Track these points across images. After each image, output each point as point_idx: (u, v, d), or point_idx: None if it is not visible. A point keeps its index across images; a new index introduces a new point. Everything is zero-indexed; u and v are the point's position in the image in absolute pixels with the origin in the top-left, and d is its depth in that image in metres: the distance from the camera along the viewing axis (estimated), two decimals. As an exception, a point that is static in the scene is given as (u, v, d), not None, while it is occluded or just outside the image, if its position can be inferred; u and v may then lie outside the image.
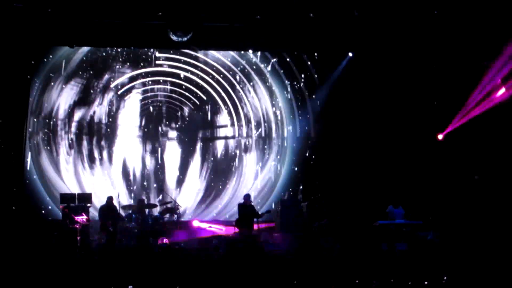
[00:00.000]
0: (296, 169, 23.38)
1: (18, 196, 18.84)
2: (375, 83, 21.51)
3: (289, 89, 23.48)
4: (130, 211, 19.82)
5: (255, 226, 19.23)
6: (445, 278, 14.92)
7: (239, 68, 23.44)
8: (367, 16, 19.85)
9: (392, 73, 21.15)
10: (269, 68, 23.49)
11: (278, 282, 14.70)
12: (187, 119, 23.18)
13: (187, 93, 23.21)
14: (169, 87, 23.15)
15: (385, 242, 18.04)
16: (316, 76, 23.13)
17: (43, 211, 21.81)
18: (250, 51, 23.03)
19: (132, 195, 22.62)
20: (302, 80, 23.35)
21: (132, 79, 23.15)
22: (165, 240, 18.37)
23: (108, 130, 23.00)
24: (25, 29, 19.01)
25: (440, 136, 20.84)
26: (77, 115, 22.69)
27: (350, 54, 21.99)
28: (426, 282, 14.84)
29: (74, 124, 22.64)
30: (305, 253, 17.79)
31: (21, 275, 14.39)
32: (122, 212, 20.01)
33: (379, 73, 21.36)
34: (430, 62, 20.63)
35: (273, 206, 22.39)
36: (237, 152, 23.45)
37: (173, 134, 23.13)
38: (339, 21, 20.36)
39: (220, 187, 23.34)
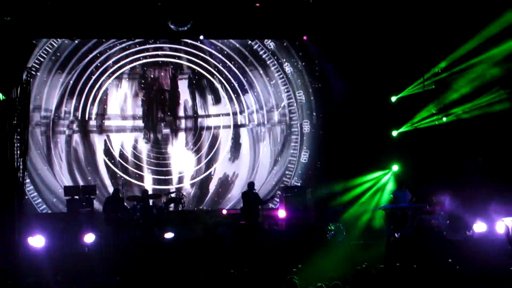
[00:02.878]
0: (311, 156, 23.20)
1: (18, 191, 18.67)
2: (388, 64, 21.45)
3: (304, 74, 23.30)
4: (135, 202, 19.81)
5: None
6: (450, 260, 14.95)
7: (248, 52, 23.24)
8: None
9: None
10: (281, 52, 23.33)
11: (283, 268, 14.74)
12: (191, 106, 23.01)
13: (191, 79, 23.06)
14: (170, 73, 22.95)
15: (389, 226, 18.06)
16: (325, 61, 22.97)
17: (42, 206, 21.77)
18: (251, 39, 22.93)
19: (133, 186, 22.42)
20: (315, 63, 23.23)
21: (130, 65, 22.76)
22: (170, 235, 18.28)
23: (104, 121, 22.59)
24: (23, 22, 18.95)
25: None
26: (69, 107, 22.28)
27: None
28: (431, 267, 14.87)
29: (66, 117, 22.21)
30: (310, 240, 17.86)
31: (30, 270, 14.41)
32: (126, 204, 20.03)
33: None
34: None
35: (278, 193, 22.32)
36: (249, 140, 23.27)
37: (176, 123, 22.90)
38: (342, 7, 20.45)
39: (231, 177, 23.15)
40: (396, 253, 15.82)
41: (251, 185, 19.76)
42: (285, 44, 23.08)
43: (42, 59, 21.86)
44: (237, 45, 23.03)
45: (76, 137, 22.31)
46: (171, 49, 22.83)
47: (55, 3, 19.54)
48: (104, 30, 21.37)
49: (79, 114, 22.31)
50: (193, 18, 20.41)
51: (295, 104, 23.16)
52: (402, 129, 21.58)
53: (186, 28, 20.56)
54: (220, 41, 22.89)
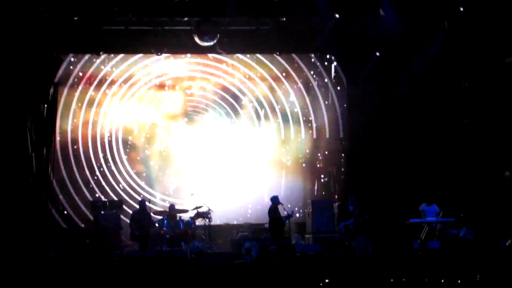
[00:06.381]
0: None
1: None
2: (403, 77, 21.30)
3: (315, 85, 23.37)
4: (161, 217, 19.81)
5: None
6: (478, 276, 14.78)
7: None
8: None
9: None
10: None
11: (311, 283, 14.66)
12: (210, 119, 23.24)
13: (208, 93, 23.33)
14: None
15: (417, 240, 17.92)
16: (343, 74, 22.91)
17: (65, 212, 22.00)
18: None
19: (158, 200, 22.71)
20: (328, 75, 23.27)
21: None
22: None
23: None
24: (50, 37, 19.10)
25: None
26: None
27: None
28: (459, 281, 14.73)
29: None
30: (337, 254, 17.76)
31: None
32: (153, 218, 20.04)
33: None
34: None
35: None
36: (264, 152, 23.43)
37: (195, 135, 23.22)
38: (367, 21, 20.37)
39: (249, 189, 23.17)
40: (423, 267, 15.65)
41: (275, 199, 19.67)
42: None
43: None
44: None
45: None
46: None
47: (81, 19, 19.76)
48: (131, 45, 21.51)
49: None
50: (219, 32, 20.58)
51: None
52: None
53: (212, 43, 20.71)
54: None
